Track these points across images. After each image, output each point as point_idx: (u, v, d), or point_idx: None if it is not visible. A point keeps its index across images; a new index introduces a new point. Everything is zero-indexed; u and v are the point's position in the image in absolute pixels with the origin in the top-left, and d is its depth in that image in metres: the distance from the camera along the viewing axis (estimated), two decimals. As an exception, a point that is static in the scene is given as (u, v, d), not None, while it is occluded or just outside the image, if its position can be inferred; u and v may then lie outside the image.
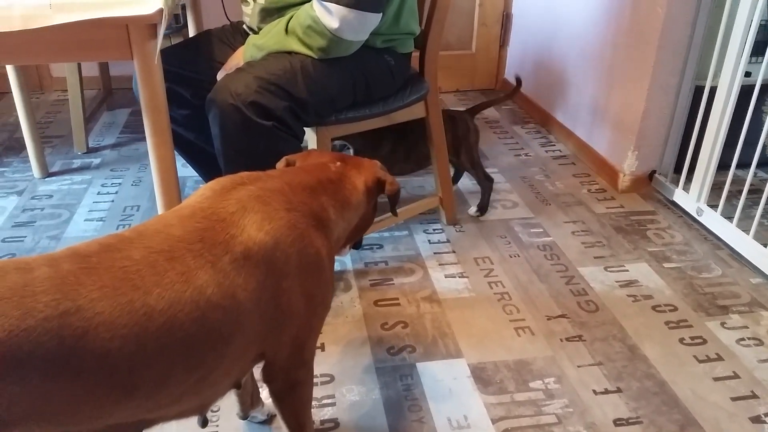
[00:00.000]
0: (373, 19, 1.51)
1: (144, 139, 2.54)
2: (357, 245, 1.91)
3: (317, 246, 1.02)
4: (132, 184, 2.25)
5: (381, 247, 1.92)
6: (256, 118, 1.42)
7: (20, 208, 2.10)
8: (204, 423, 1.04)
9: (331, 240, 1.08)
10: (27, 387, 0.75)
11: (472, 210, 2.11)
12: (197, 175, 2.03)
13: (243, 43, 1.65)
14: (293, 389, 1.06)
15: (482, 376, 1.42)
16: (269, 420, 1.30)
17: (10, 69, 2.15)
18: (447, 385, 1.39)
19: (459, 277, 1.78)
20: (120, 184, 2.26)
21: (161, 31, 1.26)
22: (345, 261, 1.84)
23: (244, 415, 1.29)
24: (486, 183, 2.09)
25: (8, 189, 2.22)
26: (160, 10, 1.23)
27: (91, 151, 2.51)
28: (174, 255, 0.87)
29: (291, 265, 0.96)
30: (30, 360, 0.74)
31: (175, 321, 0.83)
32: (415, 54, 1.82)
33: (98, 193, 2.19)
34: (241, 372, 0.99)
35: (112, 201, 2.14)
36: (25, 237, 1.93)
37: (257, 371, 1.04)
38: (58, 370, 0.76)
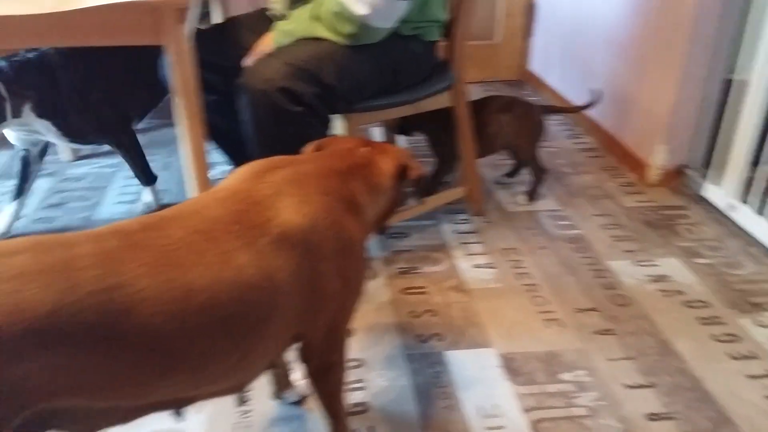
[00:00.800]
0: (403, 7, 1.50)
1: (172, 124, 2.57)
2: (383, 231, 1.91)
3: (351, 230, 1.02)
4: (161, 168, 2.27)
5: (407, 235, 1.91)
6: (286, 103, 1.42)
7: (52, 190, 2.12)
8: (240, 402, 1.05)
9: (363, 224, 1.08)
10: (71, 360, 0.75)
11: (521, 198, 2.10)
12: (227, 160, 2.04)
13: (270, 30, 1.64)
14: (328, 371, 1.07)
15: (512, 367, 1.41)
16: (300, 401, 1.30)
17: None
18: (476, 374, 1.39)
19: (486, 267, 1.77)
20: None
21: (192, 15, 1.26)
22: (372, 248, 1.84)
23: (277, 396, 1.29)
24: (541, 173, 2.08)
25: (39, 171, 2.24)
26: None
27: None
28: (213, 236, 0.87)
29: (327, 249, 0.96)
30: (74, 333, 0.75)
31: (216, 300, 0.84)
32: (442, 43, 1.81)
33: (127, 177, 2.21)
34: (277, 352, 1.00)
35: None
36: (57, 217, 1.96)
37: (290, 354, 1.04)
38: (101, 345, 0.77)
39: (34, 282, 0.74)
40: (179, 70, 1.28)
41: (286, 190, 0.96)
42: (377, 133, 2.25)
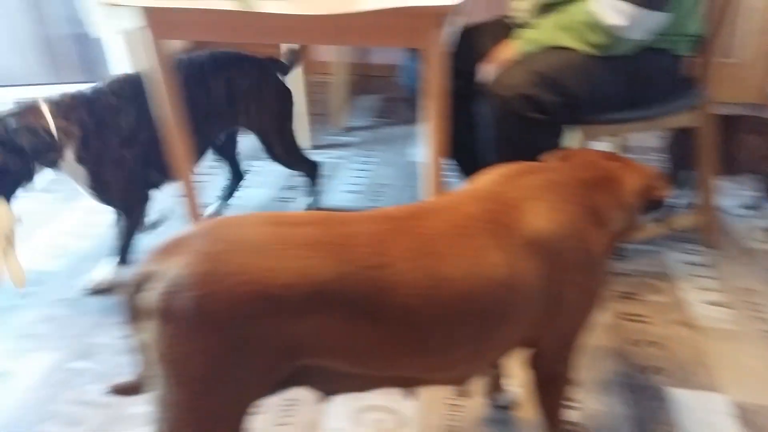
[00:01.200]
0: (659, 18, 1.44)
1: (396, 124, 2.72)
2: (616, 251, 1.83)
3: (597, 243, 1.00)
4: (384, 164, 2.41)
5: (629, 258, 1.82)
6: (528, 111, 1.43)
7: (291, 174, 2.36)
8: (462, 394, 1.09)
9: (606, 239, 1.05)
10: (339, 325, 0.83)
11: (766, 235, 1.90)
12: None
13: (508, 37, 1.66)
14: (553, 381, 1.07)
15: (747, 418, 1.27)
16: (509, 406, 1.31)
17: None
18: (703, 418, 1.28)
19: (720, 305, 1.61)
20: (373, 162, 2.43)
21: (452, 22, 1.31)
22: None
23: (488, 397, 1.32)
24: None
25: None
26: (456, 5, 1.27)
27: (347, 130, 2.73)
28: (469, 231, 0.91)
29: (572, 259, 0.96)
30: (346, 301, 0.83)
31: (466, 292, 0.87)
32: (690, 59, 1.68)
33: (354, 169, 2.38)
34: (505, 352, 1.01)
35: (367, 177, 2.32)
36: (293, 199, 2.18)
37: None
38: (365, 315, 0.84)
39: (321, 251, 0.83)
40: (432, 73, 1.35)
41: (538, 196, 0.97)
42: (604, 147, 2.16)
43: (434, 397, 1.34)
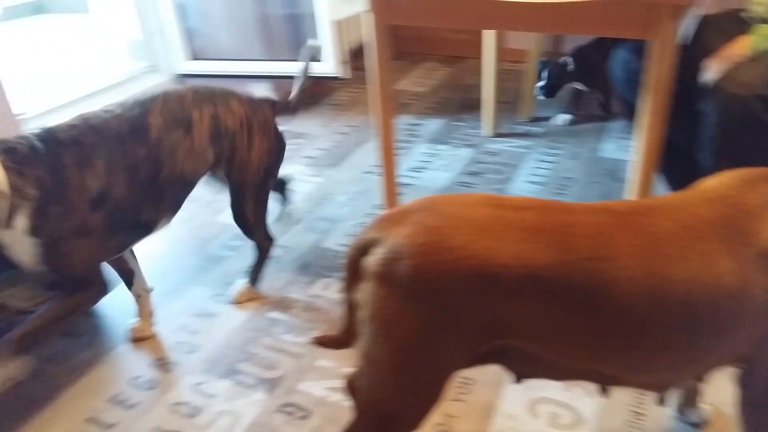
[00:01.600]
0: None
1: (583, 119, 2.63)
2: None
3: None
4: (569, 158, 2.35)
5: None
6: (763, 112, 1.31)
7: (472, 160, 2.39)
8: (661, 402, 1.05)
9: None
10: (548, 310, 0.84)
11: None
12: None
13: (742, 33, 1.52)
14: (766, 404, 0.99)
15: None
16: (699, 424, 1.23)
17: (489, 37, 2.43)
18: None
19: None
20: (558, 155, 2.38)
21: (691, 11, 1.24)
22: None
23: (679, 411, 1.25)
24: None
25: (463, 141, 2.55)
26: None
27: (534, 120, 2.70)
28: (699, 234, 0.87)
29: (811, 279, 0.87)
30: (559, 289, 0.83)
31: (690, 297, 0.84)
32: None
33: (538, 160, 2.35)
34: (715, 366, 0.96)
35: (551, 169, 2.28)
36: (475, 185, 2.21)
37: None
38: (577, 306, 0.84)
39: (539, 237, 0.84)
40: (658, 68, 1.29)
41: (780, 205, 0.90)
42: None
43: (616, 400, 1.31)
